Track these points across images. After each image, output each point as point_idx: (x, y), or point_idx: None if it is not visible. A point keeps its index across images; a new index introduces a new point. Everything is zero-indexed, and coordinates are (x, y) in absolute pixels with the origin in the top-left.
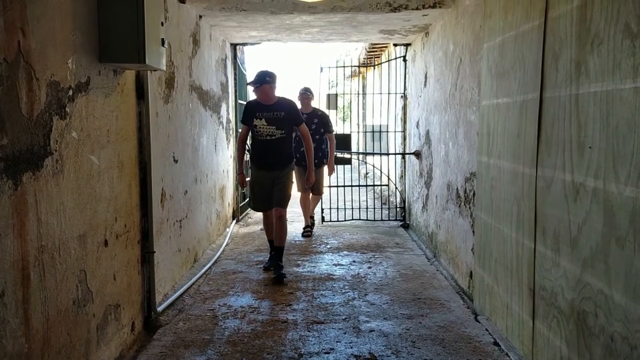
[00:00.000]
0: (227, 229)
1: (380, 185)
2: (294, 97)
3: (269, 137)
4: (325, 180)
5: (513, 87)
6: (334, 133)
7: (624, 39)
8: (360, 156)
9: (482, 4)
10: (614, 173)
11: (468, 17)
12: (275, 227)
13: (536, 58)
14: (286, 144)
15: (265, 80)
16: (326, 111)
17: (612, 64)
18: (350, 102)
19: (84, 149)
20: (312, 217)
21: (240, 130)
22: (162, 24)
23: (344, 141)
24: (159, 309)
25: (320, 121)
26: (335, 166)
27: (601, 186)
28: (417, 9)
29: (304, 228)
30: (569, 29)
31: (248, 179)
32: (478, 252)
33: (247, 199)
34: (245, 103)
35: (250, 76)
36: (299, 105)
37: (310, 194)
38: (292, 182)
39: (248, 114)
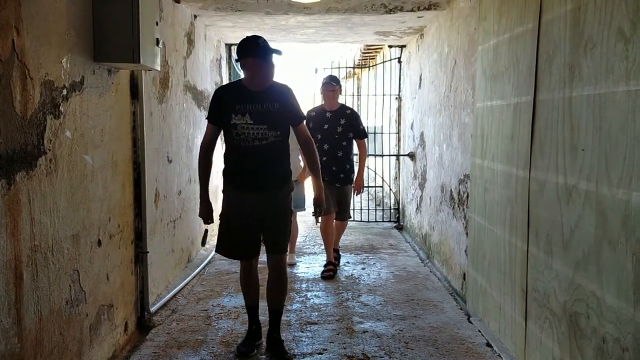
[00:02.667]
0: None
1: (375, 186)
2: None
3: (257, 142)
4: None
5: (507, 90)
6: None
7: (617, 42)
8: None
9: (476, 7)
10: (606, 176)
11: (463, 20)
12: (270, 284)
13: (530, 61)
14: (283, 152)
15: (267, 50)
16: (356, 109)
17: (605, 67)
18: (345, 103)
19: (78, 148)
20: (336, 251)
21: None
22: (157, 23)
23: None
24: (152, 309)
25: (348, 123)
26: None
27: (594, 189)
28: (412, 10)
29: (325, 266)
30: (563, 32)
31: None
32: (471, 253)
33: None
34: (215, 89)
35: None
36: (319, 101)
37: (334, 220)
38: (292, 210)
39: (220, 107)
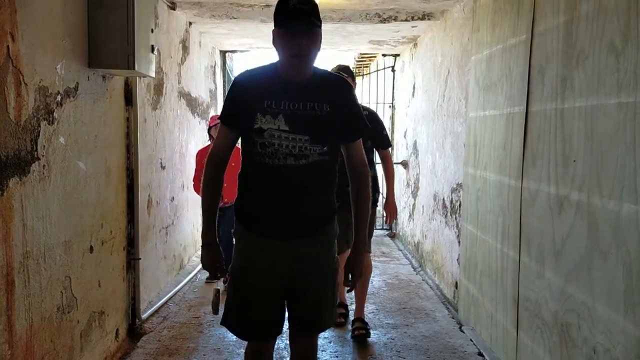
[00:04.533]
0: None
1: None
2: None
3: (293, 159)
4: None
5: (500, 100)
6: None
7: (608, 55)
8: None
9: (470, 18)
10: (597, 187)
11: (456, 30)
12: None
13: (523, 72)
14: (330, 178)
15: (302, 15)
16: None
17: (596, 79)
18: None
19: (71, 154)
20: (361, 320)
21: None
22: (152, 30)
23: None
24: (144, 316)
25: None
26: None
27: (585, 199)
28: (406, 20)
29: (352, 324)
30: (555, 44)
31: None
32: (463, 262)
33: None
34: (234, 81)
35: None
36: None
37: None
38: (339, 267)
39: (241, 100)
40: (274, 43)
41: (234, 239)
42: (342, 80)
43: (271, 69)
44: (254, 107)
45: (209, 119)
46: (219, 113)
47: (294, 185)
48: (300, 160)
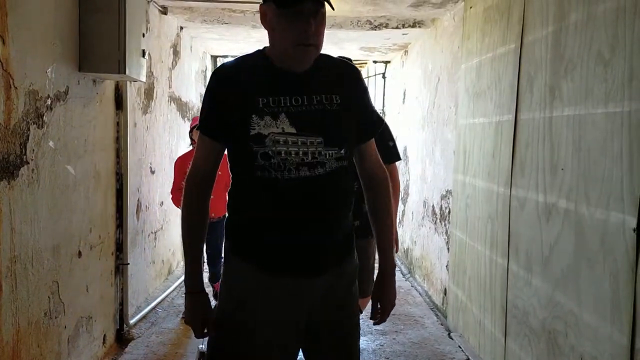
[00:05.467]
0: None
1: None
2: None
3: (307, 169)
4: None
5: (489, 108)
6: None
7: (596, 65)
8: None
9: (460, 26)
10: (585, 195)
11: (447, 38)
12: None
13: (512, 80)
14: (349, 191)
15: None
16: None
17: (584, 89)
18: None
19: (61, 158)
20: None
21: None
22: (143, 35)
23: None
24: (132, 321)
25: None
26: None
27: (573, 207)
28: (397, 27)
29: None
30: (544, 53)
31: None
32: (452, 269)
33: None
34: (212, 77)
35: None
36: None
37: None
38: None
39: (226, 105)
40: (263, 22)
41: (223, 253)
42: (349, 65)
43: (259, 57)
44: (245, 108)
45: (192, 120)
46: (193, 110)
47: (312, 202)
48: (315, 169)
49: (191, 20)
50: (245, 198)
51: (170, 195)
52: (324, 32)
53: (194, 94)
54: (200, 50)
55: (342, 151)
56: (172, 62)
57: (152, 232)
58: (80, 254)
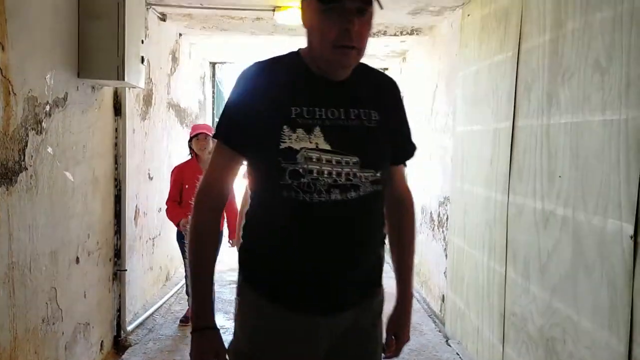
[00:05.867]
0: None
1: None
2: None
3: (339, 193)
4: None
5: (487, 115)
6: None
7: (593, 73)
8: None
9: (457, 34)
10: (582, 202)
11: (444, 46)
12: None
13: (509, 88)
14: (382, 216)
15: None
16: None
17: (582, 96)
18: None
19: (59, 164)
20: None
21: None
22: (142, 41)
23: None
24: (129, 328)
25: None
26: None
27: (570, 214)
28: (395, 35)
29: None
30: (541, 61)
31: None
32: (450, 276)
33: None
34: (239, 78)
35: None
36: None
37: None
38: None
39: (254, 112)
40: (303, 20)
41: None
42: (390, 78)
43: (295, 60)
44: (276, 117)
45: (191, 128)
46: (203, 122)
47: (343, 230)
48: (348, 193)
49: (190, 27)
50: (266, 221)
51: (166, 207)
52: (368, 35)
53: (193, 100)
54: (199, 57)
55: (379, 174)
56: (171, 69)
57: (150, 239)
58: (78, 260)
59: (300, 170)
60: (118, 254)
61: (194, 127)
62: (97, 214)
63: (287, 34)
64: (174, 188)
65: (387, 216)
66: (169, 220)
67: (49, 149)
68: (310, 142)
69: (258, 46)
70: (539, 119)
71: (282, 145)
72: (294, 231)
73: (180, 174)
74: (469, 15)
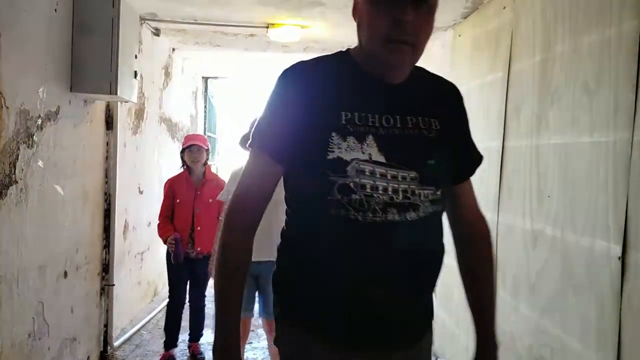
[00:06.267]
0: None
1: None
2: None
3: (395, 212)
4: None
5: (477, 135)
6: None
7: (582, 95)
8: None
9: (449, 54)
10: (571, 222)
11: (436, 65)
12: None
13: (499, 108)
14: (442, 242)
15: None
16: None
17: (570, 118)
18: None
19: (50, 178)
20: None
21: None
22: (135, 56)
23: None
24: (116, 343)
25: None
26: None
27: (559, 234)
28: None
29: None
30: (531, 82)
31: None
32: (440, 293)
33: None
34: (280, 80)
35: (221, 110)
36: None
37: None
38: None
39: (300, 116)
40: (353, 13)
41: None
42: (451, 83)
43: (343, 60)
44: (324, 123)
45: (184, 139)
46: (193, 132)
47: (402, 257)
48: (407, 213)
49: (183, 42)
50: (308, 244)
51: (158, 221)
52: (428, 31)
53: (185, 114)
54: (191, 72)
55: (439, 192)
56: (164, 83)
57: (138, 253)
58: (66, 274)
59: (352, 184)
60: (106, 269)
61: (187, 138)
62: (86, 228)
63: (280, 51)
64: (165, 203)
65: (458, 247)
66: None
67: (40, 163)
68: (363, 153)
69: (251, 61)
70: (529, 140)
71: (331, 155)
72: (340, 255)
73: (171, 188)
74: (460, 35)
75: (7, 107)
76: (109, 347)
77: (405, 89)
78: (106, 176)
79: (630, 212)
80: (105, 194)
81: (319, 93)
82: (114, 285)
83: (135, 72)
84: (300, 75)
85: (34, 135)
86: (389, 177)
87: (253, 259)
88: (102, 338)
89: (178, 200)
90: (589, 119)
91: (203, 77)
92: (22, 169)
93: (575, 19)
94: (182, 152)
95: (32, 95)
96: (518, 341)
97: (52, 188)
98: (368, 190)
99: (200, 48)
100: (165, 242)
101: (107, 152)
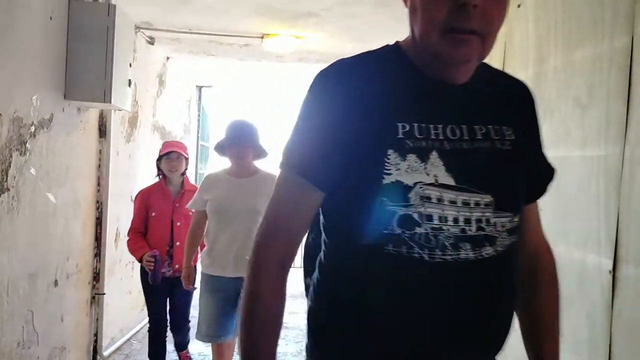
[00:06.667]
0: None
1: None
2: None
3: (471, 247)
4: None
5: None
6: None
7: (574, 109)
8: None
9: None
10: (562, 236)
11: None
12: None
13: None
14: (518, 279)
15: None
16: None
17: (563, 131)
18: None
19: (42, 186)
20: None
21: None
22: (130, 65)
23: None
24: (105, 353)
25: None
26: None
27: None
28: None
29: None
30: None
31: None
32: None
33: None
34: (317, 84)
35: (215, 119)
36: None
37: None
38: None
39: (345, 131)
40: (405, 1)
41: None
42: (524, 83)
43: (393, 56)
44: (377, 137)
45: (162, 145)
46: (187, 145)
47: (477, 305)
48: (483, 249)
49: (178, 51)
50: (356, 285)
51: (127, 237)
52: (501, 18)
53: (178, 123)
54: (185, 80)
55: (516, 219)
56: (157, 91)
57: (129, 262)
58: (56, 282)
59: (416, 215)
60: (97, 277)
61: (166, 145)
62: (77, 236)
63: (274, 61)
64: (138, 216)
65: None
66: (130, 254)
67: (32, 170)
68: (427, 174)
69: (245, 71)
70: None
71: (388, 179)
72: (404, 305)
73: (145, 200)
74: None
75: (0, 115)
76: (98, 357)
77: (469, 90)
78: (98, 184)
79: (622, 226)
80: (97, 202)
81: (368, 99)
82: (104, 294)
83: (130, 80)
84: (342, 77)
85: (26, 142)
86: (459, 203)
87: (232, 275)
88: (91, 347)
89: (153, 214)
90: (580, 133)
91: (197, 86)
92: (14, 177)
93: (568, 33)
94: (159, 159)
95: (25, 103)
96: (509, 356)
97: (44, 196)
98: (435, 222)
99: (194, 57)
100: (139, 260)
101: (100, 160)
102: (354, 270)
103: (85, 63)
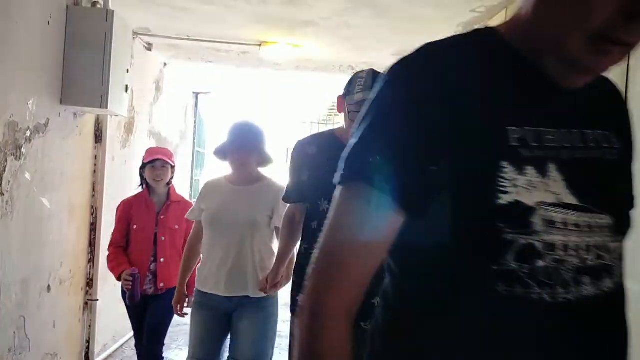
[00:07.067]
0: None
1: None
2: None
3: (591, 281)
4: None
5: None
6: None
7: None
8: None
9: None
10: None
11: None
12: None
13: None
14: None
15: None
16: None
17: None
18: None
19: (36, 190)
20: None
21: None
22: (127, 70)
23: None
24: (97, 359)
25: None
26: None
27: None
28: None
29: None
30: None
31: None
32: None
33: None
34: (396, 74)
35: (211, 126)
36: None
37: None
38: None
39: (437, 134)
40: None
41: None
42: (614, 83)
43: (495, 45)
44: (485, 145)
45: (145, 152)
46: (183, 151)
47: (596, 353)
48: (602, 282)
49: (176, 57)
50: (449, 333)
51: (107, 251)
52: None
53: (174, 129)
54: (182, 87)
55: (622, 243)
56: (154, 97)
57: None
58: (49, 288)
59: (540, 245)
60: (90, 283)
61: (150, 151)
62: (71, 242)
63: (272, 68)
64: (118, 229)
65: None
66: (109, 271)
67: (27, 175)
68: (551, 193)
69: (243, 78)
70: None
71: (504, 198)
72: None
73: (127, 211)
74: None
75: None
76: None
77: (579, 90)
78: (93, 190)
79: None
80: (92, 207)
81: (467, 96)
82: (97, 300)
83: (127, 86)
84: (432, 67)
85: (22, 147)
86: (582, 227)
87: (224, 294)
88: (83, 354)
89: (135, 227)
90: None
91: (194, 93)
92: (9, 181)
93: None
94: (142, 167)
95: (21, 107)
96: None
97: (39, 201)
98: (559, 252)
99: (192, 64)
100: (118, 279)
101: (95, 165)
102: (445, 314)
103: (82, 68)
